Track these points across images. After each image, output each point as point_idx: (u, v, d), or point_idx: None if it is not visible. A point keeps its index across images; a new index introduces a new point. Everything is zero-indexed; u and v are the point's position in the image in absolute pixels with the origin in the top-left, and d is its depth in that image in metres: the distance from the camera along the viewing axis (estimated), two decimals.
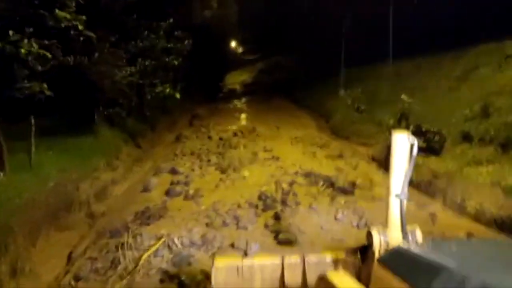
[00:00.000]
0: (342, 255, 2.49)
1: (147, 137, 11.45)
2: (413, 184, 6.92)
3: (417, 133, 7.47)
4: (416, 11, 13.26)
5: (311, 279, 2.37)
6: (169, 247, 4.99)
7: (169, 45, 11.20)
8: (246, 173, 8.11)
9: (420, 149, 7.28)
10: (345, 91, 14.19)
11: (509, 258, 1.78)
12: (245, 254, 4.73)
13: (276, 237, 5.25)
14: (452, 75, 10.70)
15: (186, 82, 16.02)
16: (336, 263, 2.47)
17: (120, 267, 4.52)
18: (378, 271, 1.91)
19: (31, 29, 5.63)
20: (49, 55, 5.79)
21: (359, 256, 2.40)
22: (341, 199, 6.48)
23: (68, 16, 6.16)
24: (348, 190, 6.82)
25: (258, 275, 2.49)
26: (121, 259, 4.64)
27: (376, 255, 2.04)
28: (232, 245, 5.01)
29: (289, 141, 10.96)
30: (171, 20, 11.06)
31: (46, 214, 5.76)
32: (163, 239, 5.10)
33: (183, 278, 4.27)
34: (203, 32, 19.36)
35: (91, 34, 6.74)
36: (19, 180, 5.93)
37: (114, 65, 8.54)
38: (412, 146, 1.99)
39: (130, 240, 5.01)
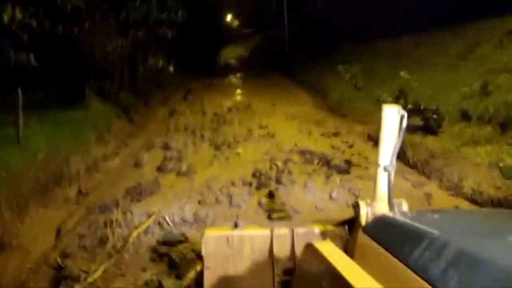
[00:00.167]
0: (330, 227, 2.55)
1: (140, 111, 11.22)
2: (410, 163, 6.84)
3: (415, 111, 7.34)
4: None
5: (300, 250, 2.36)
6: (160, 224, 4.89)
7: (162, 16, 10.85)
8: (240, 149, 7.97)
9: (417, 128, 7.07)
10: (343, 67, 13.92)
11: (490, 225, 1.84)
12: (236, 226, 4.65)
13: (269, 216, 5.16)
14: (452, 51, 10.46)
15: (180, 55, 15.66)
16: (324, 235, 2.52)
17: (108, 245, 4.42)
18: (362, 240, 1.92)
19: None
20: (34, 24, 5.53)
21: (346, 228, 2.44)
22: (337, 178, 6.37)
23: None
24: (343, 169, 6.70)
25: (248, 245, 2.54)
26: (110, 237, 4.53)
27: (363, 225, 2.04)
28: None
29: (285, 118, 10.78)
30: None
31: (34, 189, 5.64)
32: (154, 216, 5.00)
33: (173, 256, 4.20)
34: (197, 3, 18.82)
35: (78, 3, 6.45)
36: (6, 154, 5.78)
37: (105, 35, 8.26)
38: (402, 118, 1.95)
39: (120, 216, 4.91)
